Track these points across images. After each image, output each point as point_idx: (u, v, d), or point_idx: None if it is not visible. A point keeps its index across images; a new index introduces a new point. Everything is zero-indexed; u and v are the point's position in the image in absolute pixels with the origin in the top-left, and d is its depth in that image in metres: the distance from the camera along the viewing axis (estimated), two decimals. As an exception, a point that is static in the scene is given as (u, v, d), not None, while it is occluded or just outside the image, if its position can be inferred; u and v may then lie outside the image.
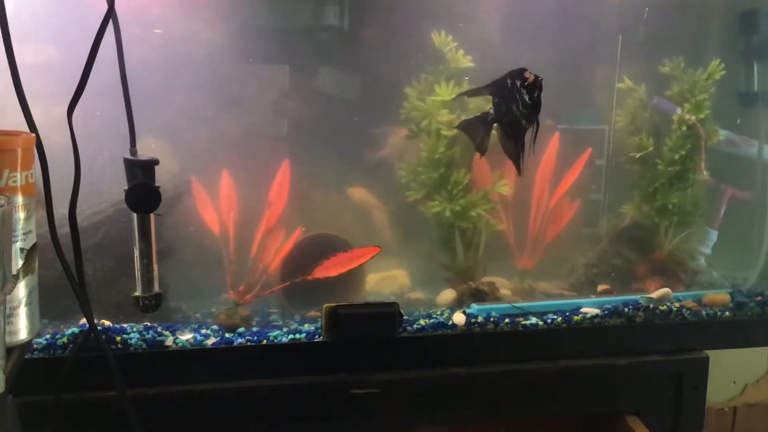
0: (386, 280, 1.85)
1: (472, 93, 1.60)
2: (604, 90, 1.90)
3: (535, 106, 1.41)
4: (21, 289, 0.93)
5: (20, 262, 0.92)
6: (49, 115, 1.30)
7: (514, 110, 1.44)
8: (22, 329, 0.95)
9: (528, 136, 1.47)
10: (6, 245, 0.82)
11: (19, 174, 0.92)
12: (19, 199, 0.92)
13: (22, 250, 0.93)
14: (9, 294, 0.84)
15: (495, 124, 1.54)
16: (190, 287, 1.66)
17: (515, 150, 1.49)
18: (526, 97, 1.41)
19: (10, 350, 0.88)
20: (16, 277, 0.90)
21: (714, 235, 1.97)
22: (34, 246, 0.94)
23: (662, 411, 1.67)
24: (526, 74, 1.41)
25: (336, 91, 1.81)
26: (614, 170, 1.92)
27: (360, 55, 1.83)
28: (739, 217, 1.99)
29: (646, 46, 1.87)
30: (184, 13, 1.65)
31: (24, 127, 1.12)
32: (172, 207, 1.59)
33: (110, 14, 1.32)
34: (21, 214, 0.93)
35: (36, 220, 0.99)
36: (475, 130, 1.58)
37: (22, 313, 0.94)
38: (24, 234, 0.93)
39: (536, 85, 1.40)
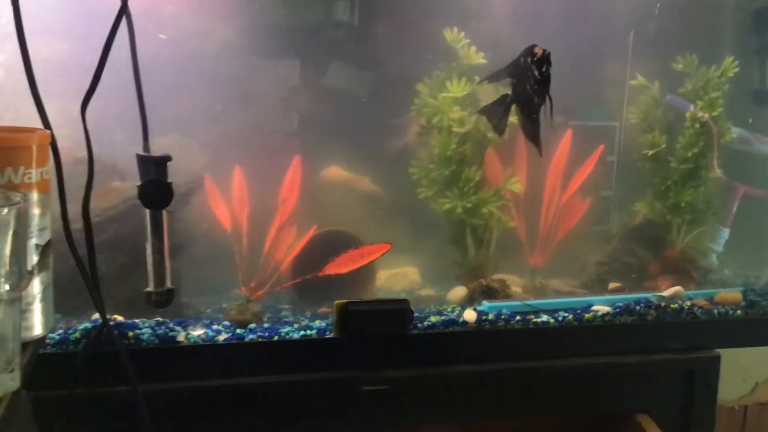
0: (397, 277, 1.85)
1: (493, 77, 1.58)
2: (615, 87, 1.89)
3: (545, 81, 1.41)
4: (36, 285, 0.94)
5: (35, 258, 0.93)
6: (62, 112, 1.31)
7: (527, 88, 1.44)
8: (36, 325, 0.96)
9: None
10: (21, 242, 0.82)
11: (34, 171, 0.92)
12: (34, 196, 0.92)
13: (36, 246, 0.93)
14: (24, 290, 0.84)
15: (514, 106, 1.54)
16: (201, 283, 1.66)
17: (533, 130, 1.49)
18: (536, 73, 1.41)
19: (24, 346, 0.89)
20: (31, 273, 0.90)
21: (726, 232, 1.96)
22: (48, 242, 0.95)
23: (673, 410, 1.66)
24: (535, 49, 1.41)
25: (347, 86, 1.82)
26: (626, 167, 1.91)
27: (371, 51, 1.83)
28: (751, 214, 1.98)
29: (659, 43, 1.86)
30: (192, 10, 1.66)
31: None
32: (184, 203, 1.60)
33: (123, 11, 1.33)
34: (36, 211, 0.94)
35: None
36: (493, 112, 1.57)
37: (37, 309, 0.95)
38: (39, 230, 0.94)
39: (544, 59, 1.40)
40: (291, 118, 1.80)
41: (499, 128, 1.59)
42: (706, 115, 1.76)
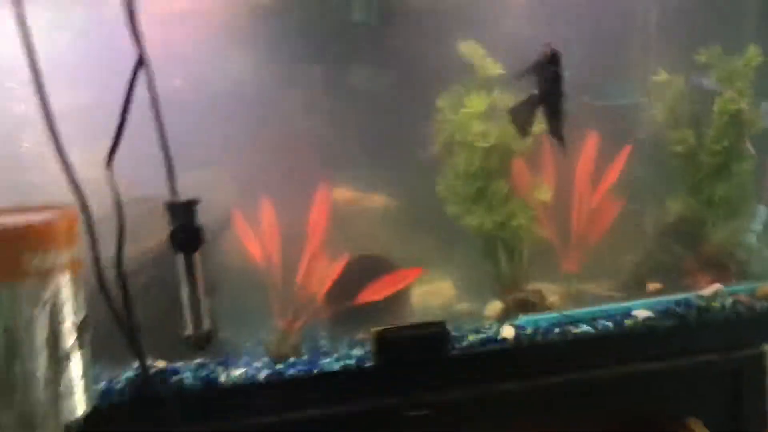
0: (432, 293, 1.84)
1: (520, 75, 1.55)
2: (640, 82, 1.86)
3: (556, 79, 1.43)
4: (76, 366, 0.94)
5: (72, 339, 0.93)
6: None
7: (547, 87, 1.46)
8: (79, 405, 0.96)
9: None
10: (57, 327, 0.83)
11: (64, 252, 0.93)
12: (67, 278, 0.93)
13: (73, 325, 0.94)
14: (62, 373, 0.85)
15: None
16: (239, 318, 1.67)
17: (557, 129, 1.49)
18: (549, 72, 1.43)
19: (67, 427, 0.90)
20: (68, 358, 0.90)
21: (764, 211, 1.91)
22: (85, 320, 0.96)
23: (723, 410, 1.64)
24: (545, 50, 1.43)
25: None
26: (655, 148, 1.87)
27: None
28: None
29: (682, 34, 1.82)
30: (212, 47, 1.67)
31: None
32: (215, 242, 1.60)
33: (141, 63, 1.33)
34: (69, 292, 0.93)
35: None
36: (519, 113, 1.55)
37: (79, 389, 0.95)
38: (74, 311, 0.94)
39: (553, 59, 1.42)
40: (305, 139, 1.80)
41: (524, 131, 1.57)
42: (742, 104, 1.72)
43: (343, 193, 1.81)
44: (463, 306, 1.81)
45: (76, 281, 0.94)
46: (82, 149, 1.42)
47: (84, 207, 1.16)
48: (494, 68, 1.66)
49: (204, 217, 1.45)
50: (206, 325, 1.46)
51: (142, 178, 1.44)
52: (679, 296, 1.69)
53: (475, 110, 1.64)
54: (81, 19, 1.62)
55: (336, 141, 1.81)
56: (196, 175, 1.62)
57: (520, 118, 1.55)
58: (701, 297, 1.66)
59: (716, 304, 1.65)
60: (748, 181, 1.79)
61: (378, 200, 1.82)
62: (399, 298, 1.72)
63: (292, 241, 1.65)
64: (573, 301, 1.76)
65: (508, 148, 1.68)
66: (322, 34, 1.81)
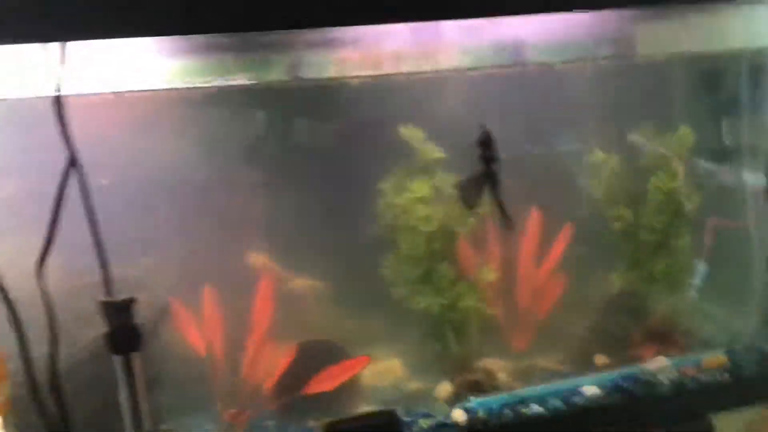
0: (381, 373, 1.82)
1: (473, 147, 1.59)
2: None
3: (489, 161, 1.51)
4: None
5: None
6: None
7: (482, 168, 1.53)
8: None
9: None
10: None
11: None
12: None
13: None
14: None
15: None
16: (183, 411, 1.62)
17: (499, 207, 1.55)
18: (484, 154, 1.50)
19: None
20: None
21: (703, 266, 1.95)
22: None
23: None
24: (479, 130, 1.50)
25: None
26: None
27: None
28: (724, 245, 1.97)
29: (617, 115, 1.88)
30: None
31: None
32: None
33: (72, 165, 1.31)
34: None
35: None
36: (466, 189, 1.59)
37: None
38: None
39: (485, 140, 1.50)
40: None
41: (469, 204, 1.60)
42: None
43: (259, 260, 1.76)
44: (414, 385, 1.78)
45: (6, 423, 0.90)
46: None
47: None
48: (434, 152, 1.67)
49: (143, 309, 1.42)
50: (147, 426, 1.41)
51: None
52: (626, 371, 1.70)
53: (419, 195, 1.65)
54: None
55: (273, 222, 1.79)
56: (134, 265, 1.59)
57: (467, 193, 1.58)
58: (647, 371, 1.68)
59: (662, 379, 1.66)
60: (688, 256, 1.82)
61: (303, 282, 1.79)
62: (348, 382, 1.69)
63: (233, 327, 1.61)
64: (523, 377, 1.76)
65: (453, 230, 1.68)
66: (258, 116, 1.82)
